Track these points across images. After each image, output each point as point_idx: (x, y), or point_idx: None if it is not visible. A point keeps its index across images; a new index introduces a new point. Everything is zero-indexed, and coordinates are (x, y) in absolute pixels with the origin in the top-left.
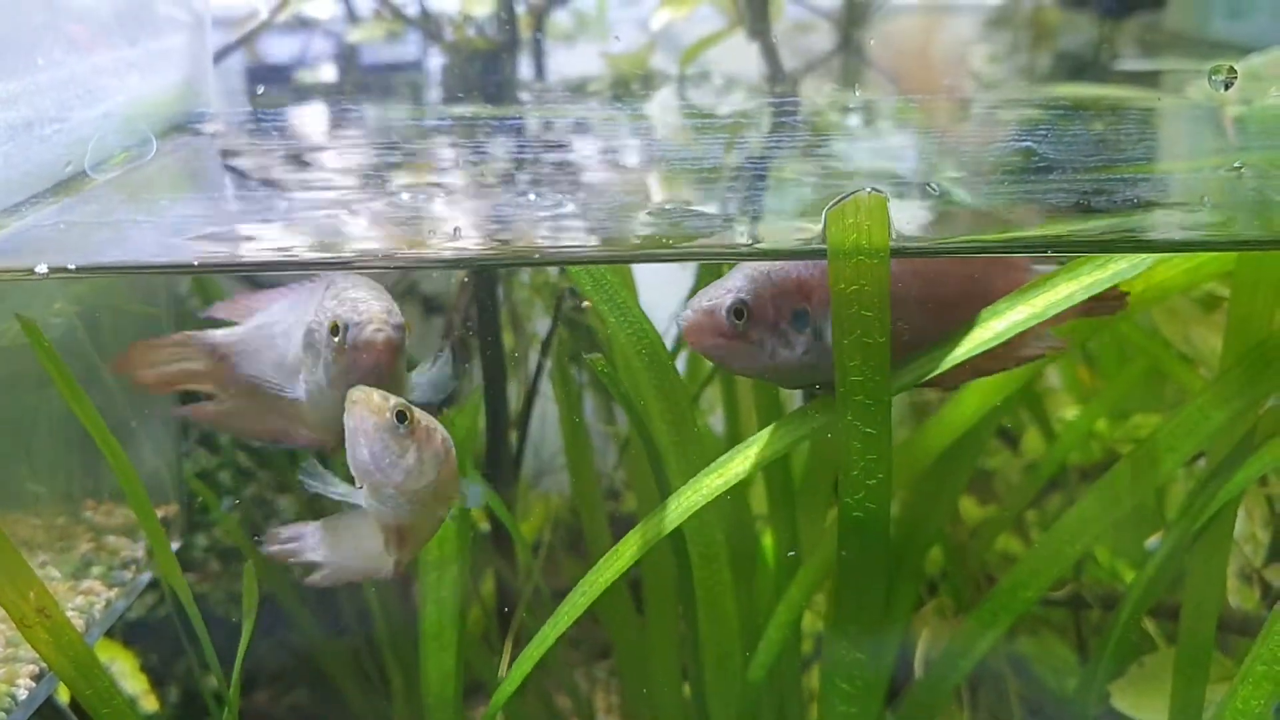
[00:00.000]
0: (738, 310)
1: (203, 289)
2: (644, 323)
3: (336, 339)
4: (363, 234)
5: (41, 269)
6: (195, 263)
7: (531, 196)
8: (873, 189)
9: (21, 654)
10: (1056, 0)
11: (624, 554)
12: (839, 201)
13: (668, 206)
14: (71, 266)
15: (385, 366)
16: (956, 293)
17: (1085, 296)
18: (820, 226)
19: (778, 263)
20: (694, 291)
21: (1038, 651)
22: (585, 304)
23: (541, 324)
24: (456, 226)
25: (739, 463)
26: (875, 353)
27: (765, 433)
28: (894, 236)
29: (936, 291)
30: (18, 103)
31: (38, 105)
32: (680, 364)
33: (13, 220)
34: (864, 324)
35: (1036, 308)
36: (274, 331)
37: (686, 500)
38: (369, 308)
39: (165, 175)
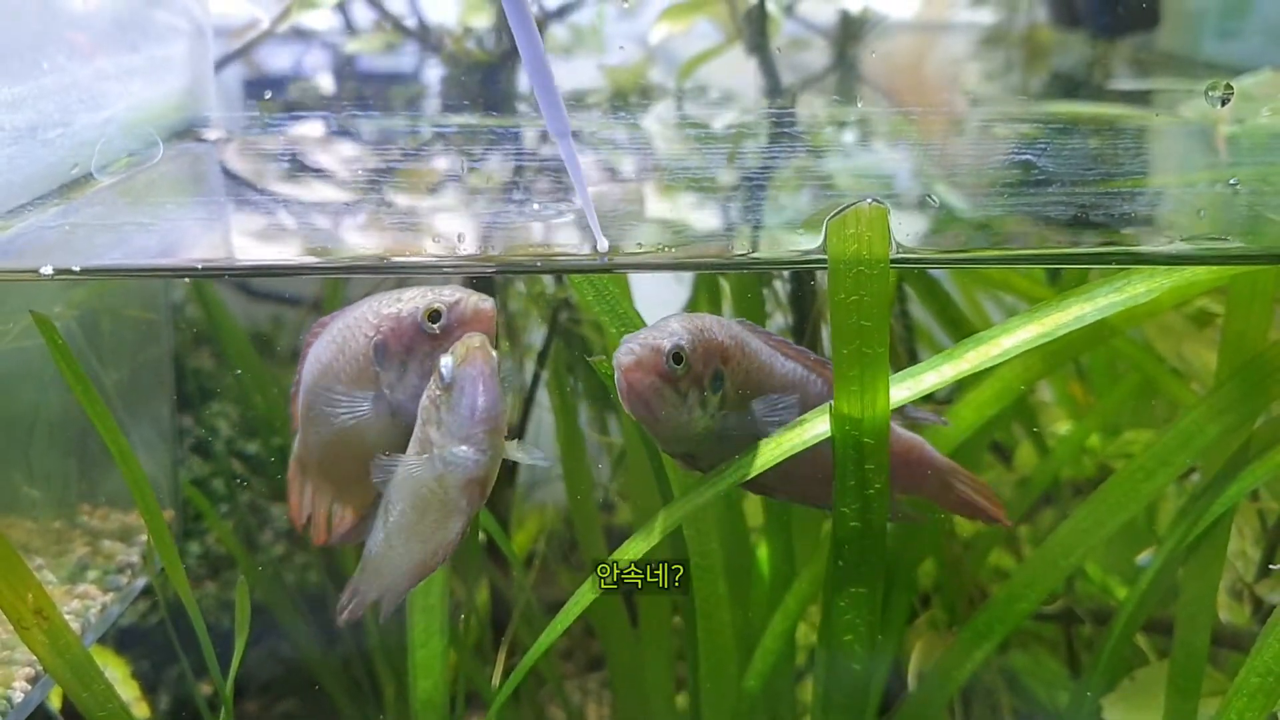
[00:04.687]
0: (677, 355)
1: (200, 296)
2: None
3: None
4: (363, 239)
5: (46, 270)
6: (199, 266)
7: (535, 206)
8: (873, 200)
9: (17, 656)
10: (1050, 20)
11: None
12: (840, 212)
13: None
14: (76, 268)
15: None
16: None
17: (1097, 318)
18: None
19: (703, 320)
20: (690, 305)
21: (1030, 666)
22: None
23: (538, 334)
24: (460, 233)
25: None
26: (873, 363)
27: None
28: (894, 248)
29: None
30: (22, 106)
31: (42, 109)
32: None
33: (16, 222)
34: (863, 334)
35: (1045, 327)
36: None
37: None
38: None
39: (166, 181)
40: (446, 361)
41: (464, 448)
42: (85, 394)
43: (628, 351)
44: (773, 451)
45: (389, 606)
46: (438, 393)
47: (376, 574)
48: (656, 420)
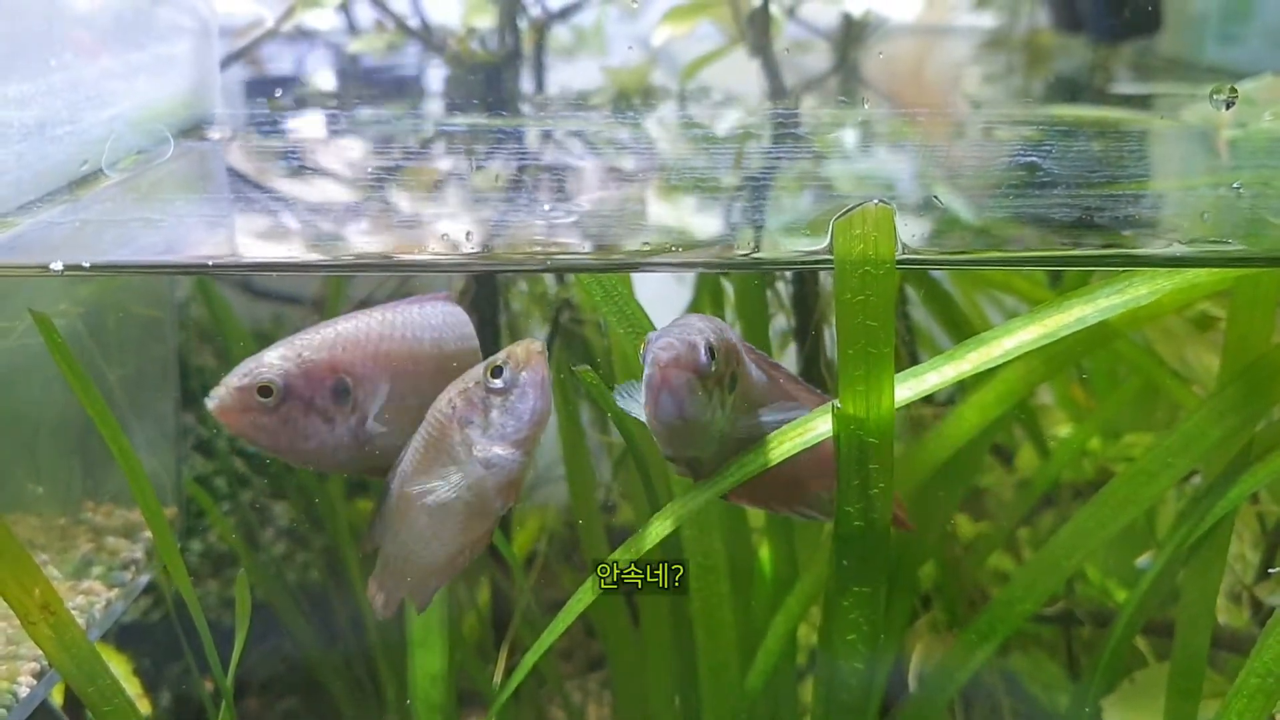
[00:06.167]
0: (712, 352)
1: (205, 293)
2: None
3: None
4: (368, 237)
5: (56, 265)
6: (209, 263)
7: (546, 207)
8: (879, 200)
9: (22, 651)
10: (1051, 24)
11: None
12: (846, 213)
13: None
14: (86, 264)
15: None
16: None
17: (1099, 319)
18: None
19: (714, 320)
20: (692, 307)
21: (1029, 668)
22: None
23: (540, 335)
24: (469, 231)
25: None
26: (879, 363)
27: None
28: (899, 249)
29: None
30: (30, 104)
31: (49, 107)
32: None
33: (26, 217)
34: (869, 334)
35: (1047, 328)
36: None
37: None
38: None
39: (174, 178)
40: (504, 365)
41: (510, 450)
42: (85, 392)
43: (666, 346)
44: (774, 452)
45: (422, 604)
46: (485, 395)
47: (400, 575)
48: (685, 421)
